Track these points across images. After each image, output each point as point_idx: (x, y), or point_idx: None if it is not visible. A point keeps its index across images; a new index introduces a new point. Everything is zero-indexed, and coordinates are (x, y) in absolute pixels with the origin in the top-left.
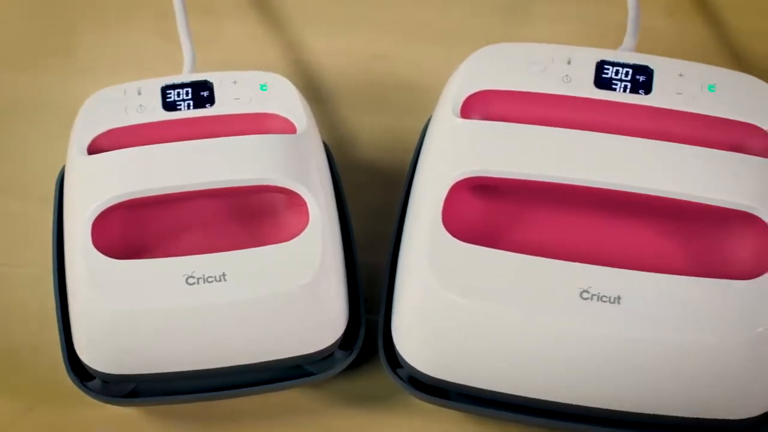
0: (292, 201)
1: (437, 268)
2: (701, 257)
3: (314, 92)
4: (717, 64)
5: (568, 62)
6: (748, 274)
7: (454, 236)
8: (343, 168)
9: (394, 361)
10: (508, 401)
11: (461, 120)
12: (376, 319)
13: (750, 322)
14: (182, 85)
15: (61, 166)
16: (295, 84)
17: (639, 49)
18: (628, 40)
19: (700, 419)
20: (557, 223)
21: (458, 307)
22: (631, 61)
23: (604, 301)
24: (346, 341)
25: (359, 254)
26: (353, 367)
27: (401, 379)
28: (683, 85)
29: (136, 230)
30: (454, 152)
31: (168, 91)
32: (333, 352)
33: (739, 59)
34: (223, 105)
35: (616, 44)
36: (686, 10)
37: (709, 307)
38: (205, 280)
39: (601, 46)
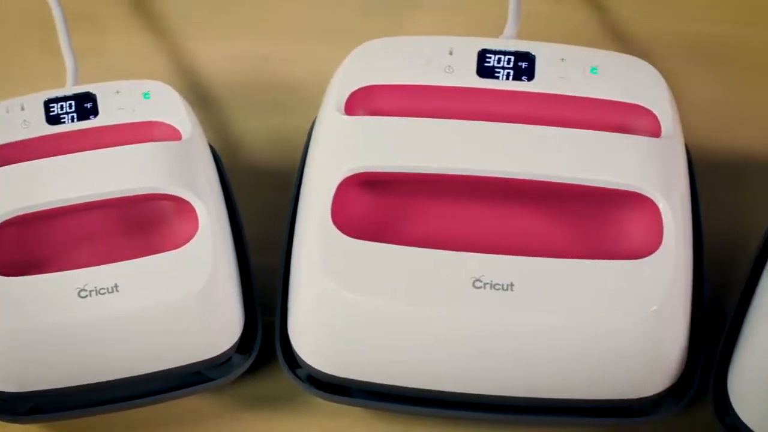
0: (181, 208)
1: (329, 266)
2: (593, 240)
3: (201, 97)
4: (604, 48)
5: (450, 53)
6: (640, 253)
7: (344, 233)
8: (234, 171)
9: (293, 361)
10: (409, 395)
11: (346, 117)
12: (273, 320)
13: (643, 301)
14: (65, 98)
15: None
16: (181, 90)
17: (526, 35)
18: (510, 27)
19: (598, 401)
20: (448, 215)
21: (351, 304)
22: (513, 49)
23: (497, 289)
24: (243, 345)
25: (254, 257)
26: (254, 370)
27: (300, 379)
28: (566, 69)
29: (26, 246)
30: (340, 150)
31: (51, 105)
32: (231, 357)
33: (624, 41)
34: (107, 116)
35: (501, 32)
36: None
37: (601, 288)
38: (98, 292)
39: (486, 34)
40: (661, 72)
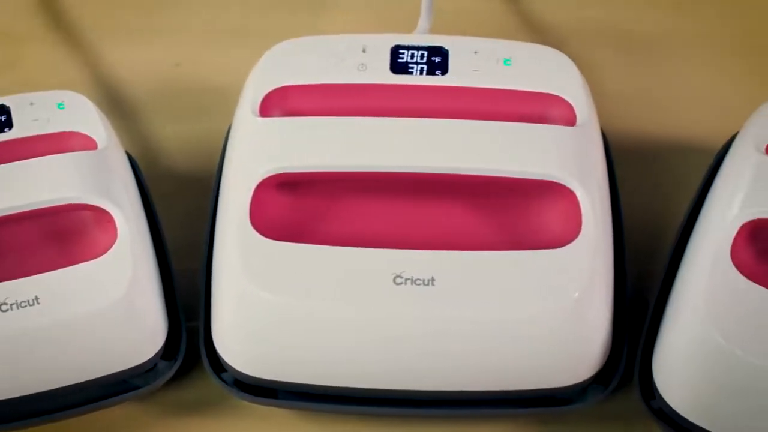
0: (100, 217)
1: (249, 268)
2: (513, 231)
3: (118, 106)
4: (519, 39)
5: (363, 50)
6: (561, 242)
7: (263, 235)
8: (153, 178)
9: (219, 365)
10: (335, 394)
11: (261, 119)
12: (197, 326)
13: (564, 289)
14: None
15: None
16: (97, 99)
17: (441, 30)
18: (423, 22)
19: (523, 391)
20: (367, 212)
21: (273, 305)
22: (426, 44)
23: (418, 284)
24: (168, 351)
25: (177, 262)
26: (180, 376)
27: (226, 383)
28: (479, 61)
29: None
30: (256, 152)
31: None
32: (156, 364)
33: (539, 32)
34: (22, 128)
35: (415, 28)
36: None
37: (522, 279)
38: (19, 306)
39: (400, 31)
40: (577, 61)
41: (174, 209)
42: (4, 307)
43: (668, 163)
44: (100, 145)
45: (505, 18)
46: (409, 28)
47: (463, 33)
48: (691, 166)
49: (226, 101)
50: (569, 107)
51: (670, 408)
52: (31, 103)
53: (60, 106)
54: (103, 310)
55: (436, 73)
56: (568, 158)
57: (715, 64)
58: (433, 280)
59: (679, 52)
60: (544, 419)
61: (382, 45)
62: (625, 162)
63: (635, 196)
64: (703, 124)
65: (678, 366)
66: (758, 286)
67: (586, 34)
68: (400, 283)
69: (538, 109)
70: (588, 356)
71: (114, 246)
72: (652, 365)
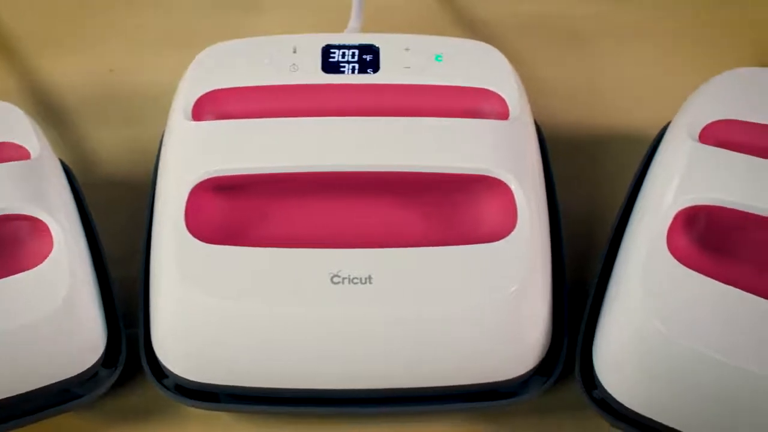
0: (35, 227)
1: (186, 272)
2: (450, 226)
3: (52, 114)
4: (453, 35)
5: (294, 51)
6: (497, 236)
7: (199, 239)
8: (89, 186)
9: (160, 371)
10: (278, 395)
11: (193, 123)
12: (138, 332)
13: (501, 283)
14: None
15: None
16: (30, 108)
17: (373, 28)
18: (354, 21)
19: (468, 386)
20: (303, 213)
21: (211, 309)
22: (356, 42)
23: (355, 283)
24: (109, 359)
25: (116, 269)
26: (122, 383)
27: (168, 388)
28: (410, 58)
29: None
30: (190, 156)
31: None
32: (97, 372)
33: (472, 27)
34: None
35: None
36: None
37: (459, 274)
38: None
39: (331, 30)
40: (511, 54)
41: (111, 216)
42: None
43: (605, 154)
44: (33, 155)
45: (437, 14)
46: (342, 28)
47: (396, 30)
48: (627, 156)
49: (160, 106)
50: (501, 101)
51: (612, 397)
52: None
53: None
54: (41, 320)
55: (368, 71)
56: (501, 152)
57: (649, 54)
58: (370, 278)
59: (612, 43)
60: (488, 413)
61: (312, 45)
62: (562, 154)
63: (572, 187)
64: (638, 113)
65: (618, 355)
66: (695, 272)
67: (520, 28)
68: (338, 283)
69: (470, 104)
70: (528, 348)
71: (50, 255)
72: (593, 355)
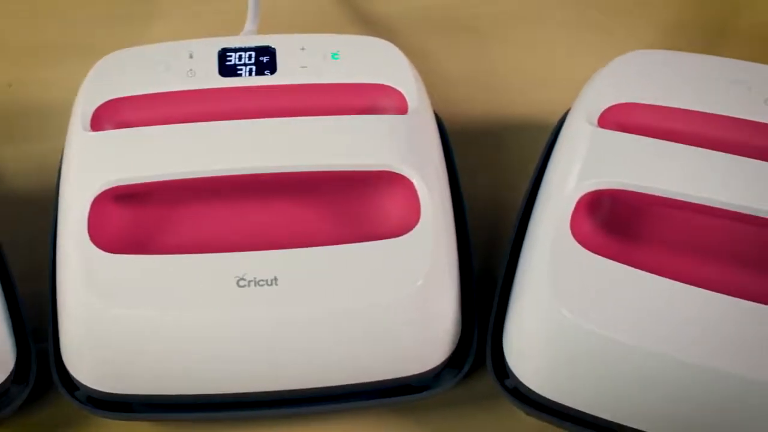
0: None
1: (91, 283)
2: (354, 223)
3: None
4: (351, 32)
5: (191, 56)
6: (402, 230)
7: (103, 249)
8: None
9: (72, 384)
10: (190, 402)
11: (92, 133)
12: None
13: (407, 277)
14: None
15: None
16: None
17: (270, 30)
18: (249, 23)
19: (381, 382)
20: (206, 218)
21: (118, 319)
22: (253, 44)
23: (262, 285)
24: (20, 375)
25: (24, 284)
26: (35, 398)
27: (80, 401)
28: (306, 58)
29: None
30: (90, 167)
31: None
32: (8, 389)
33: (370, 24)
34: None
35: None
36: None
37: (364, 270)
38: None
39: (230, 33)
40: (409, 49)
41: (16, 232)
42: None
43: (508, 142)
44: None
45: (335, 12)
46: (237, 31)
47: (293, 31)
48: (530, 143)
49: (62, 119)
50: (400, 96)
51: (524, 385)
52: None
53: None
54: None
55: (265, 72)
56: (401, 146)
57: (548, 40)
58: (276, 279)
59: (512, 32)
60: (403, 408)
61: (209, 49)
62: (466, 144)
63: (477, 177)
64: (540, 100)
65: (527, 343)
66: (599, 257)
67: (418, 23)
68: (244, 286)
69: (368, 100)
70: (438, 341)
71: None
72: (503, 344)
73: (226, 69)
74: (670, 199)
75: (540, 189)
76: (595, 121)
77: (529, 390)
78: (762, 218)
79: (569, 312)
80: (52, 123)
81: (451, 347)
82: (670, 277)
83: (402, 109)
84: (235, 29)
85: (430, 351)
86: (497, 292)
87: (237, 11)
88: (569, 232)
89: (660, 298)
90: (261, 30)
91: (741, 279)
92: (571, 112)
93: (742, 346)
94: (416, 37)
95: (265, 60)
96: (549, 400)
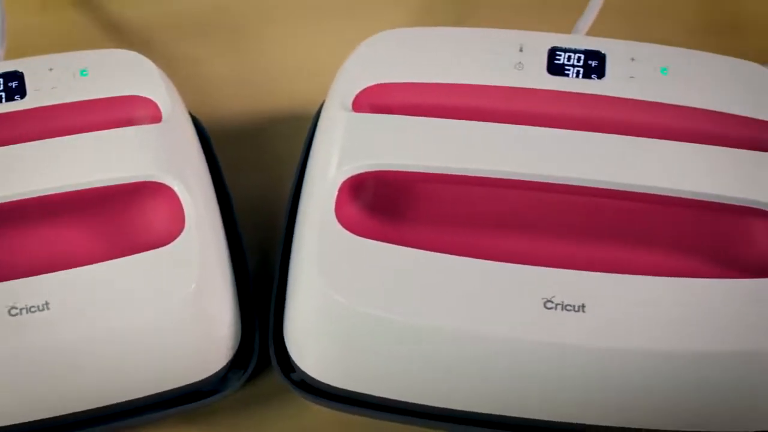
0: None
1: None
2: (118, 238)
3: None
4: (105, 47)
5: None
6: (168, 239)
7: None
8: None
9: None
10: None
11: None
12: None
13: (178, 285)
14: None
15: None
16: None
17: (14, 54)
18: None
19: (167, 392)
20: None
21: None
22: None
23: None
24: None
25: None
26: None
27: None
28: (54, 78)
29: None
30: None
31: None
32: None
33: (122, 35)
34: None
35: None
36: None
37: (135, 283)
38: None
39: None
40: (166, 56)
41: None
42: None
43: (273, 138)
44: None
45: (84, 28)
46: None
47: (38, 52)
48: (295, 135)
49: None
50: (152, 105)
51: (309, 376)
52: None
53: None
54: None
55: (15, 98)
56: (157, 155)
57: (301, 32)
58: (47, 304)
59: (264, 29)
60: (196, 415)
61: None
62: (231, 144)
63: (246, 176)
64: (300, 92)
65: (305, 333)
66: (366, 239)
67: (171, 29)
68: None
69: (122, 113)
70: (218, 344)
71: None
72: (284, 337)
73: None
74: (431, 174)
75: (304, 180)
76: (350, 106)
77: (314, 380)
78: (523, 181)
79: (340, 297)
80: None
81: (233, 349)
82: (440, 251)
83: (156, 117)
84: None
85: (212, 354)
86: (274, 287)
87: None
88: (334, 218)
89: (432, 273)
90: (8, 54)
91: (508, 245)
92: (327, 98)
93: (511, 310)
94: (172, 44)
95: (14, 85)
96: (336, 387)
